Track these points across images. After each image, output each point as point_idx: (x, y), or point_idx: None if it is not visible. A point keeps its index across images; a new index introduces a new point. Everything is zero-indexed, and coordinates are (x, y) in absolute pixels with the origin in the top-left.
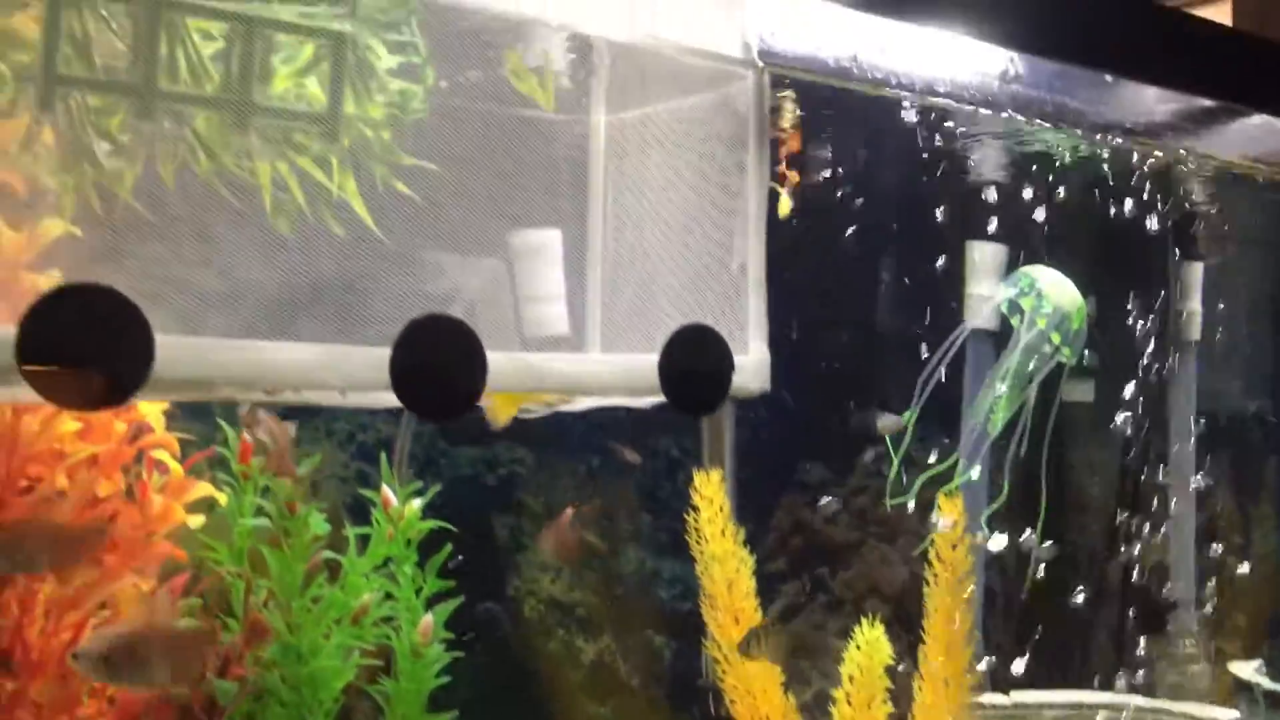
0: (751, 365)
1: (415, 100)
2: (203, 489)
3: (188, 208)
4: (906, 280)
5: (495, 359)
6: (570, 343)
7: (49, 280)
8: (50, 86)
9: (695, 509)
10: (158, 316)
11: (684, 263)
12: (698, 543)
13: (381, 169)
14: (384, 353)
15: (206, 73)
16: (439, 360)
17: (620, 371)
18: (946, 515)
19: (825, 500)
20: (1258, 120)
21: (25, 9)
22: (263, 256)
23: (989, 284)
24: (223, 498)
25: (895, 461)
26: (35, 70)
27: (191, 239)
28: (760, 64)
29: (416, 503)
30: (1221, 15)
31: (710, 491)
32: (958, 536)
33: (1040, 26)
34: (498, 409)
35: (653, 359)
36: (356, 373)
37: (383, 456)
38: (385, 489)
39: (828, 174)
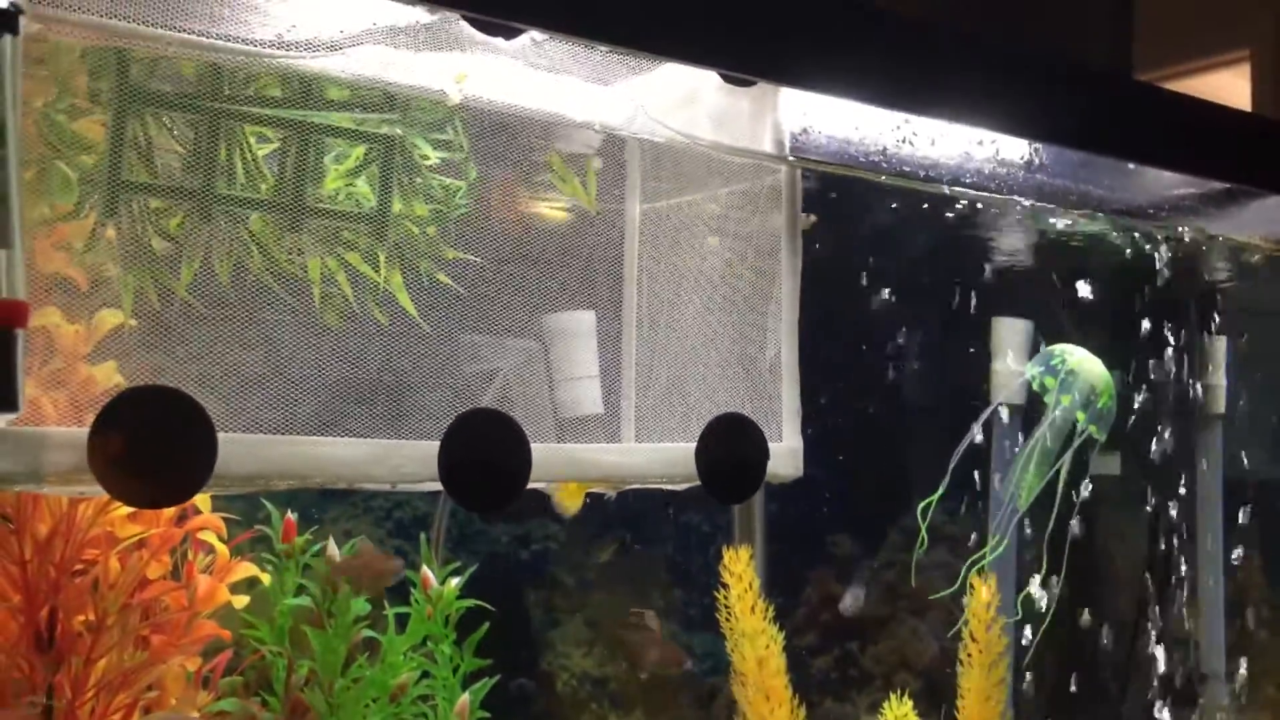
0: (785, 452)
1: (458, 196)
2: (246, 569)
3: (241, 303)
4: (933, 357)
5: (538, 450)
6: (603, 424)
7: (104, 371)
8: (116, 192)
9: (725, 586)
10: (212, 410)
11: (718, 351)
12: (727, 620)
13: (426, 262)
14: (432, 446)
15: (261, 174)
16: (486, 454)
17: (659, 460)
18: (978, 594)
19: (849, 599)
20: (1274, 201)
21: (89, 115)
22: (312, 351)
23: (1015, 360)
24: (265, 577)
25: (922, 535)
26: (100, 174)
27: (244, 334)
28: (791, 158)
29: (454, 581)
30: (1241, 77)
31: (739, 568)
32: (991, 617)
33: (1047, 114)
34: (566, 498)
35: (689, 447)
36: (406, 467)
37: (422, 538)
38: (425, 569)
39: (850, 255)
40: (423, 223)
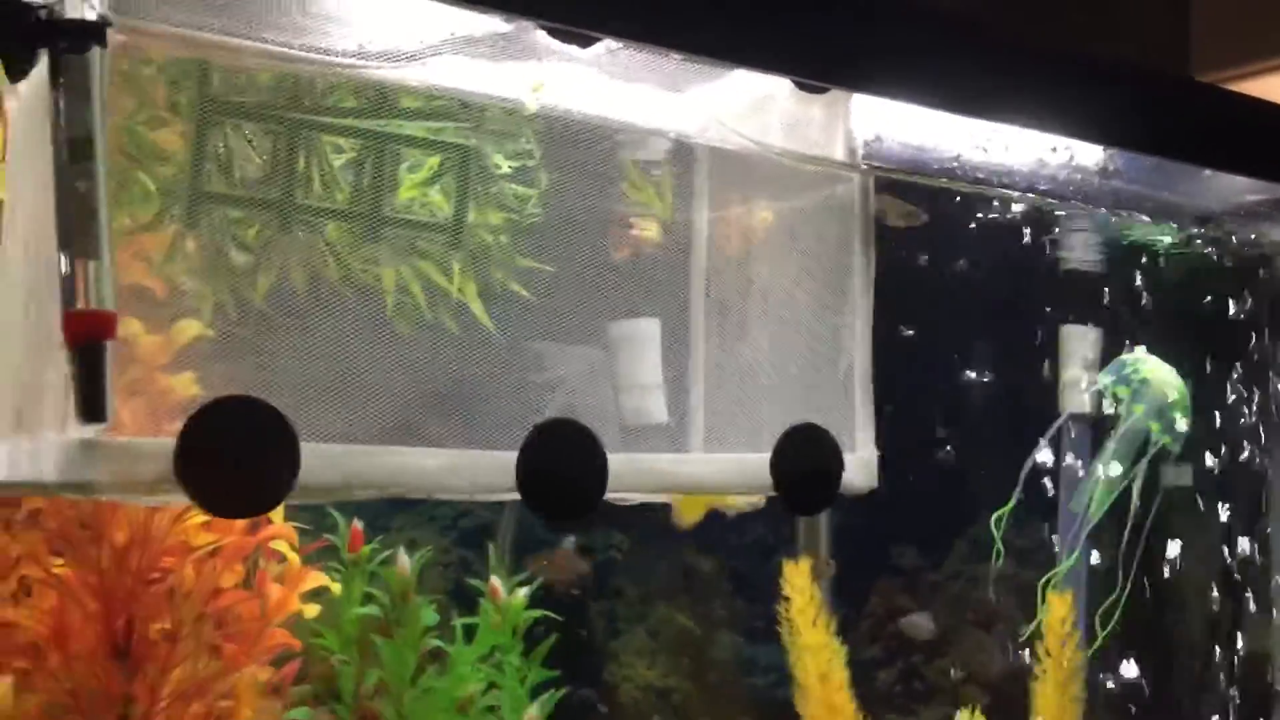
0: (859, 463)
1: (530, 204)
2: (317, 579)
3: (319, 312)
4: (1001, 365)
5: (615, 461)
6: (671, 434)
7: (183, 381)
8: (197, 202)
9: (786, 599)
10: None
11: (790, 361)
12: (790, 634)
13: (499, 271)
14: (509, 456)
15: (338, 184)
16: (564, 465)
17: (734, 471)
18: (1054, 609)
19: (916, 623)
20: None
21: (167, 126)
22: (389, 360)
23: (1085, 368)
24: (335, 587)
25: (998, 547)
26: (180, 185)
27: (323, 343)
28: (864, 166)
29: (522, 592)
30: None
31: (801, 581)
32: (1067, 632)
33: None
34: (684, 511)
35: (762, 458)
36: (483, 477)
37: (491, 547)
38: (494, 579)
39: (919, 261)
40: (496, 231)
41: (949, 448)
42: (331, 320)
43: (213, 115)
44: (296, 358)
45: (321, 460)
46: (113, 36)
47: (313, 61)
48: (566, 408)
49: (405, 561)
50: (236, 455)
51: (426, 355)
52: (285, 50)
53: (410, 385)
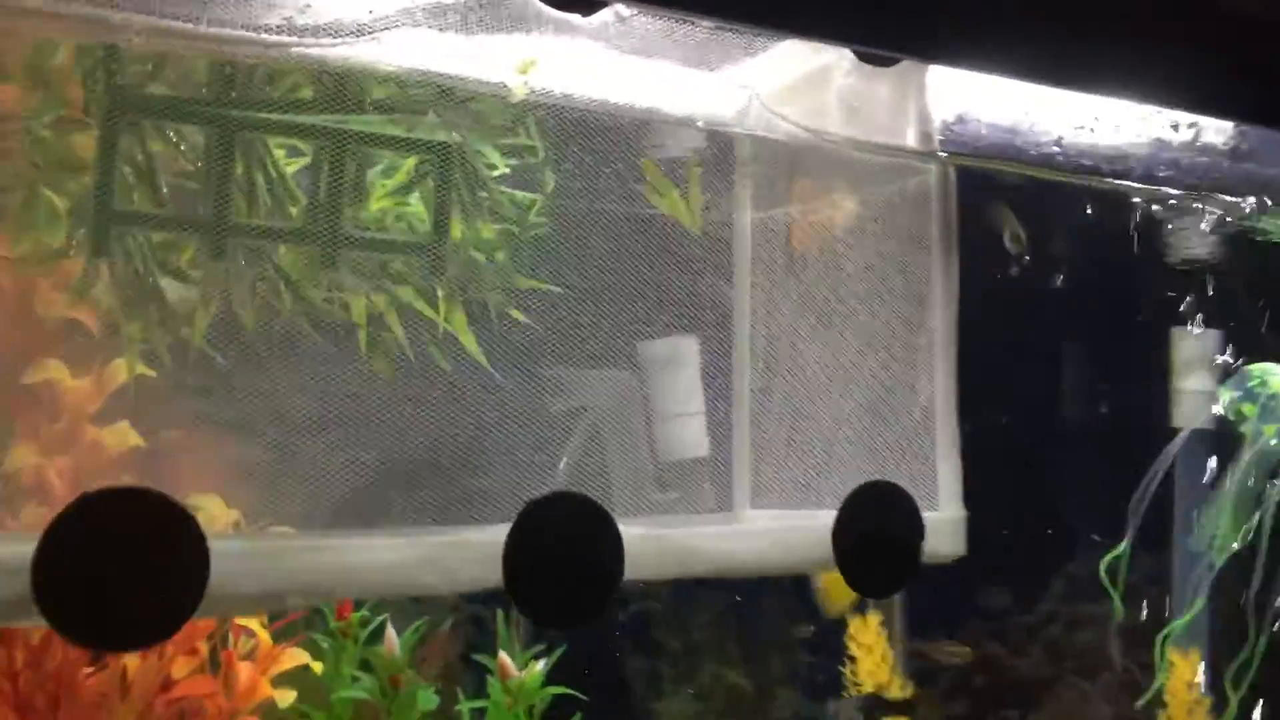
0: (944, 524)
1: (533, 212)
2: (295, 656)
3: (269, 354)
4: (1104, 375)
5: (632, 539)
6: (712, 475)
7: (115, 434)
8: (104, 224)
9: (852, 659)
10: (236, 497)
11: (855, 394)
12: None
13: (495, 295)
14: (496, 541)
15: (291, 195)
16: (564, 553)
17: (782, 544)
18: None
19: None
20: None
21: (86, 129)
22: (353, 415)
23: (1202, 380)
24: (317, 666)
25: (1116, 604)
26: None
27: (273, 393)
28: (942, 154)
29: (539, 665)
30: None
31: (869, 639)
32: (1195, 699)
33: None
34: (832, 594)
35: (818, 525)
36: (464, 570)
37: (499, 615)
38: (502, 655)
39: (1008, 260)
40: (490, 247)
41: (1043, 471)
42: (284, 362)
43: (124, 113)
44: (238, 407)
45: (245, 562)
46: None
47: (228, 40)
48: (590, 442)
49: (394, 639)
50: (112, 569)
51: (400, 408)
52: (191, 28)
53: (378, 447)
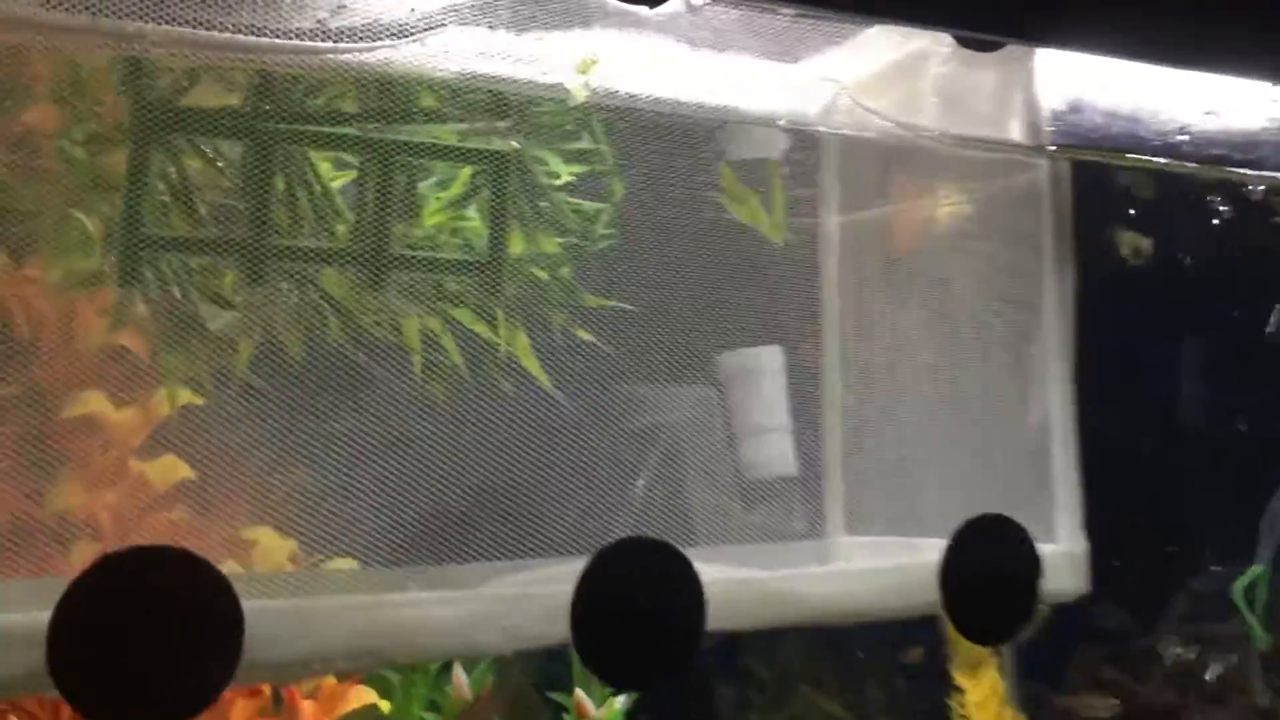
0: (1061, 558)
1: (600, 223)
2: (363, 694)
3: (321, 380)
4: (1235, 385)
5: (715, 585)
6: (800, 496)
7: (161, 470)
8: (133, 248)
9: (958, 689)
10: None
11: (958, 412)
12: None
13: (560, 315)
14: (562, 593)
15: (337, 212)
16: (638, 606)
17: (883, 587)
18: None
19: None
20: None
21: (120, 147)
22: (409, 444)
23: None
24: (385, 705)
25: (1255, 630)
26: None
27: (327, 421)
28: (1053, 148)
29: (618, 702)
30: None
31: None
32: None
33: None
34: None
35: (923, 564)
36: (528, 626)
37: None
38: (579, 692)
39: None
40: (553, 262)
41: (1165, 479)
42: (332, 392)
43: (156, 128)
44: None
45: (283, 625)
46: None
47: (253, 48)
48: (667, 463)
49: (462, 679)
50: (140, 637)
51: (459, 433)
52: (214, 35)
53: (435, 477)
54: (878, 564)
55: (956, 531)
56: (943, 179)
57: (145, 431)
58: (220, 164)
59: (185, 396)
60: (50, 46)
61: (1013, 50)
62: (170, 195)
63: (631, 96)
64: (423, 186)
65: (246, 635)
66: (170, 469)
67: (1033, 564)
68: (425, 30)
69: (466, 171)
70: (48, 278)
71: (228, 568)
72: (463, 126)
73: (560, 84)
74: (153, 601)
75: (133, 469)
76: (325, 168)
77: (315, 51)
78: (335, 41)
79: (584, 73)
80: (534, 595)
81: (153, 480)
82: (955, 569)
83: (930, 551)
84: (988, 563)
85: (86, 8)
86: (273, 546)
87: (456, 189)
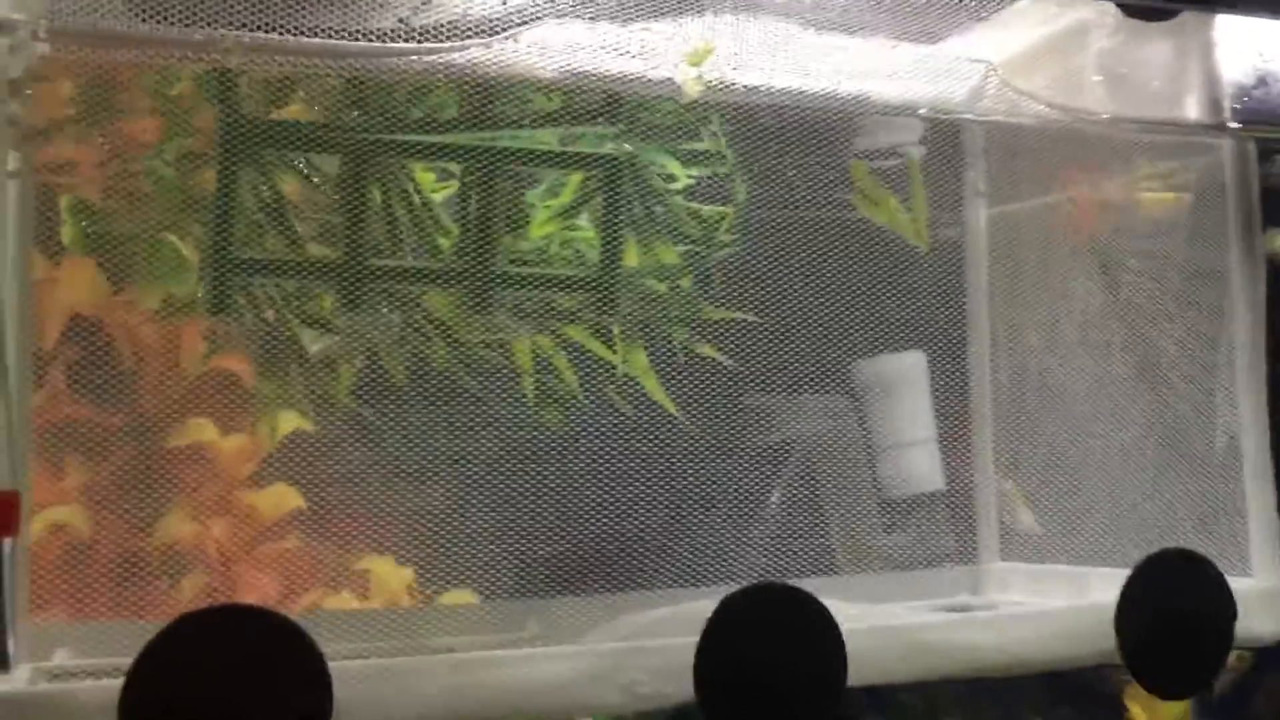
0: (1256, 596)
1: (722, 229)
2: None
3: (433, 404)
4: None
5: (856, 636)
6: (950, 519)
7: (269, 499)
8: (223, 273)
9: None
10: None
11: (1128, 425)
12: None
13: (680, 331)
14: (684, 647)
15: (440, 227)
16: (772, 657)
17: (1043, 632)
18: None
19: None
20: None
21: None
22: (524, 470)
23: None
24: None
25: None
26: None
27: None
28: (1237, 125)
29: None
30: None
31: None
32: None
33: None
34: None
35: (1095, 606)
36: (647, 684)
37: None
38: None
39: None
40: (672, 273)
41: None
42: (445, 417)
43: (243, 144)
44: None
45: (374, 687)
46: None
47: (334, 52)
48: (798, 480)
49: None
50: (217, 705)
51: (575, 458)
52: (290, 40)
53: (551, 504)
54: (1043, 606)
55: (1136, 568)
56: (1108, 166)
57: (257, 459)
58: (315, 180)
59: (297, 421)
60: (139, 61)
61: (1187, 18)
62: (265, 216)
63: (751, 89)
64: (529, 196)
65: (336, 700)
66: (282, 497)
67: (1225, 604)
68: (519, 25)
69: (576, 178)
70: (147, 304)
71: (341, 599)
72: (571, 129)
73: (670, 79)
74: (231, 665)
75: (244, 498)
76: (427, 179)
77: (397, 53)
78: (420, 41)
79: (697, 64)
80: (653, 648)
81: (263, 510)
82: (1134, 611)
83: (1098, 582)
84: (1172, 603)
85: (171, 19)
86: (388, 575)
87: (566, 197)
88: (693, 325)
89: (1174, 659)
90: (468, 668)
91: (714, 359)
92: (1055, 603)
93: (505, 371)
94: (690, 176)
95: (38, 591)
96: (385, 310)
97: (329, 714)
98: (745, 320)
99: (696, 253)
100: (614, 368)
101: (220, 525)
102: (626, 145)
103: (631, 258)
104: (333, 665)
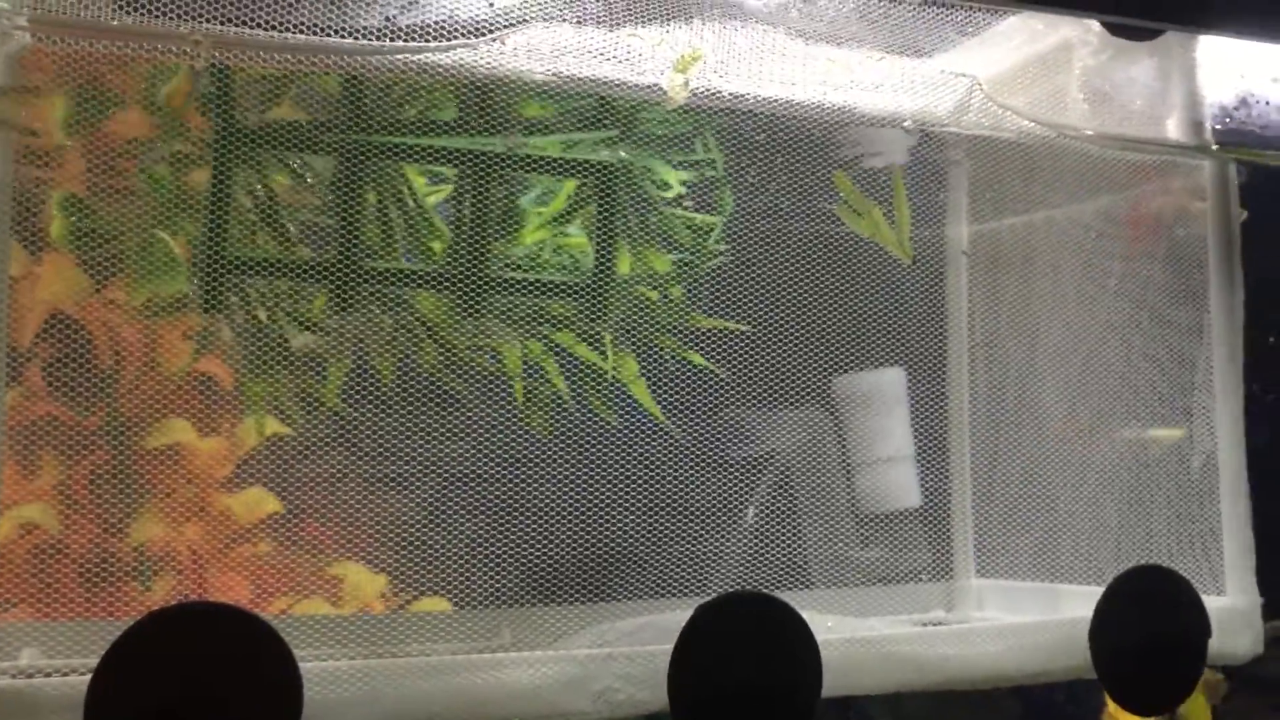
0: (1231, 615)
1: (712, 238)
2: None
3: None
4: None
5: (832, 647)
6: (926, 534)
7: (245, 503)
8: (216, 272)
9: None
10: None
11: (1106, 445)
12: None
13: (670, 339)
14: (658, 654)
15: (433, 230)
16: (745, 667)
17: (1022, 647)
18: None
19: None
20: None
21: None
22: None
23: None
24: None
25: None
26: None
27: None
28: (1217, 147)
29: None
30: None
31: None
32: None
33: None
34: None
35: (1069, 622)
36: (620, 690)
37: None
38: None
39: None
40: (664, 281)
41: None
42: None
43: (236, 142)
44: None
45: (345, 689)
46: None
47: (317, 49)
48: (776, 495)
49: None
50: (186, 704)
51: (561, 464)
52: (275, 38)
53: (532, 511)
54: (1017, 620)
55: (1110, 585)
56: (1088, 184)
57: (233, 461)
58: (309, 179)
59: (274, 425)
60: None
61: (1171, 38)
62: (257, 215)
63: (735, 97)
64: (522, 202)
65: (306, 701)
66: (257, 502)
67: (1199, 621)
68: (505, 26)
69: (570, 185)
70: (135, 301)
71: (313, 605)
72: (566, 135)
73: (657, 85)
74: (200, 664)
75: (219, 501)
76: (421, 182)
77: (386, 51)
78: (406, 40)
79: (684, 71)
80: (627, 655)
81: (238, 513)
82: (1109, 627)
83: (1073, 600)
84: (1147, 620)
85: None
86: (362, 582)
87: (558, 204)
88: (681, 334)
89: (1147, 675)
90: (440, 672)
91: (704, 367)
92: (1027, 618)
93: (493, 376)
94: (683, 184)
95: (3, 590)
96: (376, 312)
97: (299, 716)
98: (735, 329)
99: (687, 261)
100: (603, 374)
101: (194, 528)
102: (622, 152)
103: (623, 265)
104: (304, 666)
